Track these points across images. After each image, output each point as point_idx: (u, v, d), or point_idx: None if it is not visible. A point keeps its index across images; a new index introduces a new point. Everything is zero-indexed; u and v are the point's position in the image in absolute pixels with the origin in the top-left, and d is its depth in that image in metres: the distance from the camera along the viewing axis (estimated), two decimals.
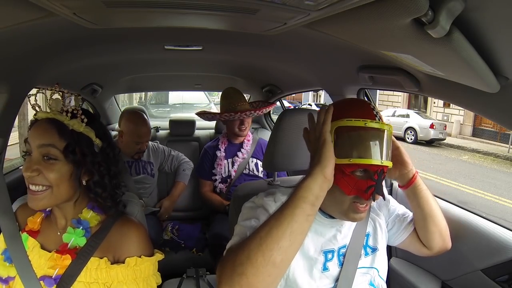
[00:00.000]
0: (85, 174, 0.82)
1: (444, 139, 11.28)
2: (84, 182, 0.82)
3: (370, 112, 0.80)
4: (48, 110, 0.81)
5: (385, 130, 0.79)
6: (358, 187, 0.78)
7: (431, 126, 10.95)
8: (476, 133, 12.05)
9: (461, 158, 9.65)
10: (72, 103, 0.82)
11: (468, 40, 0.53)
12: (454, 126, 12.54)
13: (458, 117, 12.57)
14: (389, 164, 0.79)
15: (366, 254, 0.92)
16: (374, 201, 0.80)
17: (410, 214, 1.02)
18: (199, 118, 2.20)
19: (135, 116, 1.95)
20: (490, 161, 9.49)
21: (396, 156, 0.96)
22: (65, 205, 0.83)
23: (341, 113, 0.79)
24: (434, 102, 13.26)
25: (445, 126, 11.49)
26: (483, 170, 8.42)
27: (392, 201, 1.05)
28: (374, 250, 0.94)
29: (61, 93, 0.81)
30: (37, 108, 0.81)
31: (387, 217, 1.01)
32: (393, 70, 0.97)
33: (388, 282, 1.21)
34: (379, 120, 0.80)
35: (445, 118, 12.89)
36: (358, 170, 0.78)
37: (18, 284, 0.79)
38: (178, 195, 2.13)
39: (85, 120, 0.81)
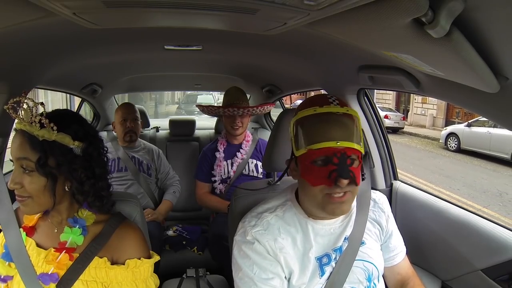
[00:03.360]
0: (67, 181, 0.81)
1: (402, 128, 12.79)
2: (67, 188, 0.81)
3: (324, 100, 0.80)
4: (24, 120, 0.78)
5: (342, 113, 0.78)
6: (321, 176, 0.76)
7: (385, 116, 11.97)
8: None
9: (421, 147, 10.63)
10: (40, 110, 0.79)
11: (468, 40, 0.53)
12: (428, 119, 13.82)
13: (432, 111, 13.94)
14: (350, 145, 0.77)
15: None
16: (340, 185, 0.76)
17: (399, 252, 0.99)
18: (199, 118, 2.20)
19: (121, 104, 2.18)
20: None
21: None
22: (58, 207, 0.83)
23: (298, 109, 0.83)
24: (415, 99, 14.51)
25: (403, 117, 13.22)
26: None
27: (391, 221, 1.00)
28: (362, 243, 0.91)
29: (27, 102, 0.77)
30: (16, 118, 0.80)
31: (384, 230, 0.98)
32: (393, 70, 0.97)
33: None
34: (336, 105, 0.79)
35: (423, 112, 14.25)
36: (318, 158, 0.77)
37: (16, 283, 0.79)
38: (165, 213, 2.03)
39: (55, 128, 0.76)
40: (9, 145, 1.19)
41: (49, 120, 0.75)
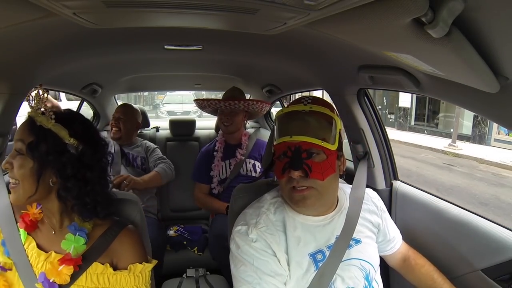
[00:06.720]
0: (53, 175, 0.80)
1: None
2: (51, 183, 0.80)
3: (297, 101, 0.86)
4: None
5: (307, 110, 0.81)
6: (279, 170, 0.82)
7: None
8: None
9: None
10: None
11: (468, 40, 0.53)
12: None
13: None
14: (304, 138, 0.79)
15: (350, 246, 0.91)
16: (292, 176, 0.79)
17: (397, 241, 1.07)
18: (199, 118, 2.20)
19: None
20: None
21: None
22: (48, 205, 0.83)
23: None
24: None
25: None
26: None
27: (386, 215, 1.05)
28: (357, 242, 0.93)
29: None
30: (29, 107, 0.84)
31: (380, 226, 1.02)
32: (393, 70, 0.97)
33: (388, 281, 1.20)
34: (306, 105, 0.83)
35: None
36: (280, 154, 0.82)
37: (16, 277, 0.80)
38: (149, 182, 1.92)
39: (53, 116, 0.80)
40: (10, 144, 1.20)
41: (53, 112, 0.81)
